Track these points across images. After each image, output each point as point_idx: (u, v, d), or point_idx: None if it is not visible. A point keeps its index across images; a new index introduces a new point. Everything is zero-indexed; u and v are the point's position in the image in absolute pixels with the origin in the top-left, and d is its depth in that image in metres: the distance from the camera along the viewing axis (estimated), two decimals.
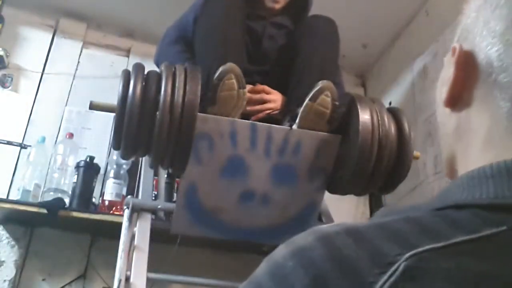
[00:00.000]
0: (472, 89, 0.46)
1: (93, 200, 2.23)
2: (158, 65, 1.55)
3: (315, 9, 1.66)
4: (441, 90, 0.50)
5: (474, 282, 0.33)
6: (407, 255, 0.34)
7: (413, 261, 0.33)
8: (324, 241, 0.37)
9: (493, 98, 0.44)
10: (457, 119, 0.48)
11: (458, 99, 0.48)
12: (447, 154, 0.51)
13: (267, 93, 1.52)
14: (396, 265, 0.33)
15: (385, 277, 0.33)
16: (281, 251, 0.39)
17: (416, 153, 1.36)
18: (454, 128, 0.49)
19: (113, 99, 1.25)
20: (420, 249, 0.34)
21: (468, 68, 0.46)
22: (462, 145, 0.48)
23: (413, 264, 0.33)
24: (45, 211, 1.99)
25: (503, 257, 0.35)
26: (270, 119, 1.46)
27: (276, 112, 1.51)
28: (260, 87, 1.51)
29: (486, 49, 0.45)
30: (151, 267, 1.41)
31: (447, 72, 0.49)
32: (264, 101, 1.50)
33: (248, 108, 1.42)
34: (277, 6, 1.59)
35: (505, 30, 0.43)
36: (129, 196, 1.58)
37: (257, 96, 1.48)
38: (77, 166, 2.22)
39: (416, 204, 0.43)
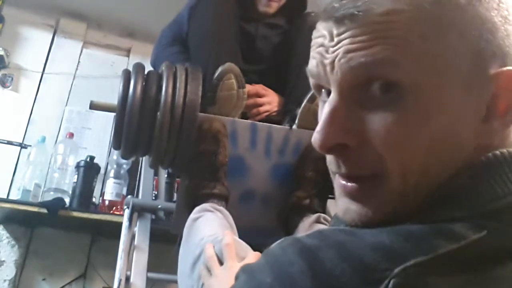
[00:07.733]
0: None
1: (93, 200, 2.23)
2: (155, 67, 1.54)
3: (314, 8, 1.65)
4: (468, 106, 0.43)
5: None
6: (396, 271, 0.33)
7: (402, 278, 0.33)
8: (304, 254, 0.35)
9: None
10: (483, 130, 0.43)
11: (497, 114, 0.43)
12: (441, 164, 0.42)
13: (261, 96, 1.50)
14: (385, 282, 0.33)
15: None
16: (259, 265, 0.37)
17: None
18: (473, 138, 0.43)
19: (113, 99, 1.25)
20: (408, 264, 0.34)
21: None
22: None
23: (402, 281, 0.33)
24: (45, 211, 1.99)
25: (483, 264, 0.35)
26: (268, 120, 1.45)
27: (274, 113, 1.49)
28: (252, 90, 1.48)
29: None
30: (151, 267, 1.41)
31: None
32: (259, 105, 1.49)
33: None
34: (271, 10, 1.56)
35: None
36: (129, 196, 1.58)
37: (251, 101, 1.45)
38: (77, 166, 2.23)
39: None
